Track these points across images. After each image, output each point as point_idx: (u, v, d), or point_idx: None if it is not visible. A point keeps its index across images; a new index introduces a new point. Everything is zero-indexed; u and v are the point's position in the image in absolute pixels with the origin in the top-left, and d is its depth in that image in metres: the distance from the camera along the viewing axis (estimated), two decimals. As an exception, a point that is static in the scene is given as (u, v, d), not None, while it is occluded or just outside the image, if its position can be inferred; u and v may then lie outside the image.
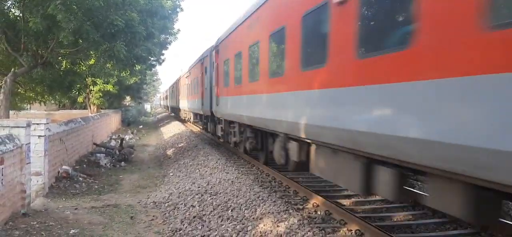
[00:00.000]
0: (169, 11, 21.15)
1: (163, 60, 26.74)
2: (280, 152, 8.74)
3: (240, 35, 11.71)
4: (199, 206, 8.25)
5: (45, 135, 9.88)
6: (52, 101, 27.80)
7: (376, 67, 4.97)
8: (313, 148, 7.51)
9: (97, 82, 25.99)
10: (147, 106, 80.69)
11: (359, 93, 5.31)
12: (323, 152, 7.05)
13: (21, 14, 11.96)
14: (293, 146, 7.97)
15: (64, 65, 15.39)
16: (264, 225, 6.53)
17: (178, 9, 22.83)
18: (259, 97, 9.56)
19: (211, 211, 7.80)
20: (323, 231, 6.01)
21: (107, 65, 15.49)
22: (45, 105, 24.74)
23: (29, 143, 8.57)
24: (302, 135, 7.13)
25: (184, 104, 29.81)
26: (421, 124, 4.18)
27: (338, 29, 5.87)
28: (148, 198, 10.03)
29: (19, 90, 17.25)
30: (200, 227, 7.11)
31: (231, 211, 7.62)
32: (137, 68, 23.51)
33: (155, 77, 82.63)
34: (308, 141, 7.25)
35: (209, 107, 16.63)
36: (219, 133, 15.60)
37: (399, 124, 4.51)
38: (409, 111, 4.39)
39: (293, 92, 7.45)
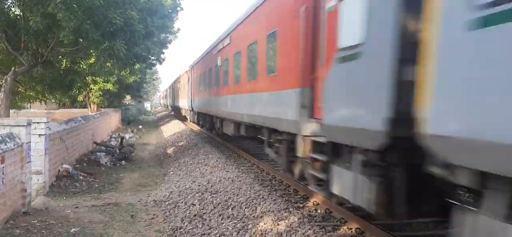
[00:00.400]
0: (169, 10, 21.09)
1: (163, 59, 26.64)
2: (215, 125, 17.41)
3: (199, 65, 21.53)
4: (199, 205, 8.26)
5: (45, 134, 9.89)
6: (52, 100, 27.80)
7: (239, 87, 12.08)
8: (224, 121, 14.98)
9: (97, 81, 25.98)
10: (147, 105, 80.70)
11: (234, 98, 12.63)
12: (227, 122, 14.35)
13: (21, 13, 11.95)
14: (217, 121, 16.53)
15: (64, 64, 15.35)
16: (264, 224, 6.54)
17: (178, 8, 22.77)
18: (208, 99, 17.86)
19: (212, 210, 7.81)
20: (323, 230, 6.02)
21: (107, 64, 15.48)
22: (45, 104, 24.72)
23: (30, 142, 8.58)
24: (220, 116, 15.07)
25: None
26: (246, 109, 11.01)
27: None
28: (149, 196, 10.05)
29: (20, 89, 17.25)
30: (200, 226, 7.12)
31: (232, 209, 7.63)
32: (137, 67, 23.50)
33: (155, 76, 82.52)
34: (223, 118, 15.00)
35: (190, 104, 25.32)
36: (195, 119, 25.22)
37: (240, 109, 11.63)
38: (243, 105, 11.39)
39: (214, 97, 16.10)
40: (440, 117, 3.52)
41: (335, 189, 5.74)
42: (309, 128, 6.64)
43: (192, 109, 24.95)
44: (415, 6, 3.97)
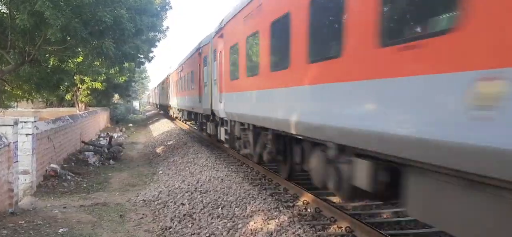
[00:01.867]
0: (158, 9, 21.00)
1: (152, 58, 26.56)
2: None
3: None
4: (189, 204, 8.23)
5: (32, 133, 9.77)
6: (40, 99, 27.49)
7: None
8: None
9: (85, 79, 25.74)
10: (136, 104, 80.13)
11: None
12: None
13: (7, 11, 11.78)
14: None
15: (51, 63, 15.18)
16: (254, 223, 6.54)
17: (167, 7, 22.70)
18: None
19: (201, 209, 7.79)
20: (313, 229, 6.04)
21: (96, 62, 15.35)
22: (32, 103, 24.43)
23: (17, 141, 8.46)
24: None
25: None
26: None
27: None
28: (138, 196, 9.98)
29: (6, 87, 17.00)
30: (190, 225, 7.10)
31: (221, 209, 7.62)
32: (126, 66, 23.36)
33: (144, 75, 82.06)
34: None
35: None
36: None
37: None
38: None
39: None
40: None
41: None
42: None
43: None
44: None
